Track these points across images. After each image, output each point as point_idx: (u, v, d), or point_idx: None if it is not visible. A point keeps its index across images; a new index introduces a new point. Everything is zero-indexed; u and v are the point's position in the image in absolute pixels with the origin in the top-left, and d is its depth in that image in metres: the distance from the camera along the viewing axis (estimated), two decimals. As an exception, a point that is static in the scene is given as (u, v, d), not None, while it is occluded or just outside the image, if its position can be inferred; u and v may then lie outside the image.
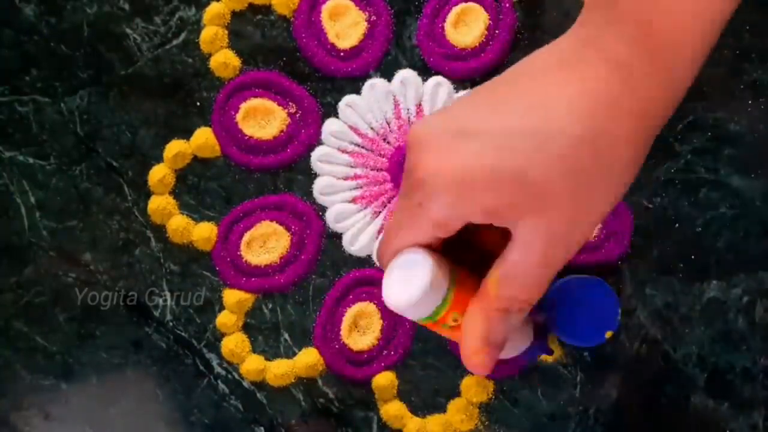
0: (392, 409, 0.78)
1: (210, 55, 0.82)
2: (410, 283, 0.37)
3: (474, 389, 0.77)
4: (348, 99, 0.81)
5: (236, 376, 0.80)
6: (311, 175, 0.81)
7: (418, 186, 0.35)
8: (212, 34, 0.82)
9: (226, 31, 0.82)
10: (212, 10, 0.82)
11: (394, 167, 0.79)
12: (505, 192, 0.33)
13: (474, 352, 0.35)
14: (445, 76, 0.80)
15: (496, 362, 0.37)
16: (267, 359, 0.80)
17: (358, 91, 0.81)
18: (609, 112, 0.34)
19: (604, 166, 0.33)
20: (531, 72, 0.37)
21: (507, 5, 0.80)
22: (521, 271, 0.34)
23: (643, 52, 0.35)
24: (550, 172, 0.32)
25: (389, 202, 0.81)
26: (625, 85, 0.34)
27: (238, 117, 0.81)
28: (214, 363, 0.80)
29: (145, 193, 0.82)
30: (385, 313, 0.79)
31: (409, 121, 0.81)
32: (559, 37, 0.41)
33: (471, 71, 0.80)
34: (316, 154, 0.81)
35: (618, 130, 0.34)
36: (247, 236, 0.80)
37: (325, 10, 0.81)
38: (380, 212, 0.80)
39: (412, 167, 0.37)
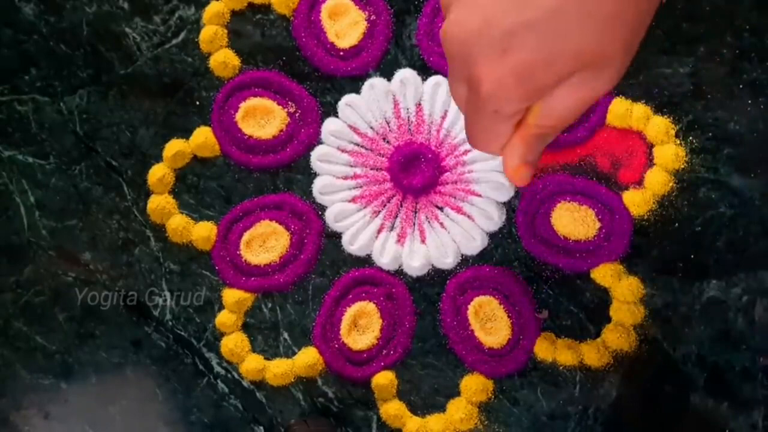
0: (392, 409, 0.78)
1: (209, 54, 0.82)
2: None
3: (474, 389, 0.77)
4: (348, 98, 0.81)
5: (236, 375, 0.80)
6: (311, 175, 0.81)
7: (487, 98, 0.38)
8: (212, 33, 0.82)
9: (226, 31, 0.82)
10: (212, 9, 0.82)
11: (394, 166, 0.79)
12: (564, 69, 0.36)
13: (514, 170, 0.43)
14: (444, 75, 0.80)
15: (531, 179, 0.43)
16: (266, 359, 0.80)
17: (357, 91, 0.81)
18: None
19: (644, 23, 0.36)
20: None
21: (507, 4, 0.79)
22: (560, 106, 0.38)
23: None
24: (600, 37, 0.35)
25: (389, 202, 0.81)
26: None
27: (238, 116, 0.81)
28: (214, 362, 0.80)
29: (144, 192, 0.82)
30: (385, 312, 0.79)
31: (408, 120, 0.81)
32: None
33: (471, 71, 0.80)
34: (316, 153, 0.81)
35: None
36: (246, 236, 0.80)
37: (325, 9, 0.81)
38: (380, 211, 0.80)
39: (474, 81, 0.39)
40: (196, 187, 0.82)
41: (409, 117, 0.81)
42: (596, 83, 0.38)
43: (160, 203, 0.81)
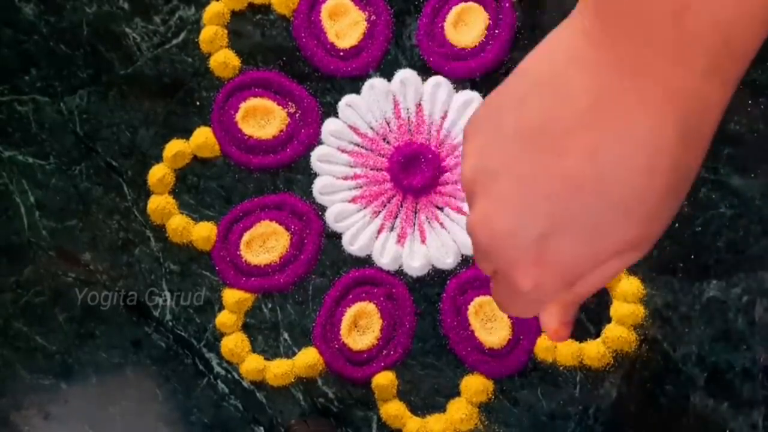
0: (392, 409, 0.78)
1: (210, 54, 0.82)
2: None
3: (474, 389, 0.77)
4: (348, 99, 0.81)
5: (236, 375, 0.80)
6: (311, 175, 0.81)
7: (526, 294, 0.37)
8: (212, 33, 0.82)
9: (226, 31, 0.82)
10: (212, 9, 0.82)
11: (394, 167, 0.79)
12: (605, 259, 0.35)
13: (555, 332, 0.42)
14: (444, 75, 0.80)
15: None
16: (267, 359, 0.80)
17: (357, 91, 0.81)
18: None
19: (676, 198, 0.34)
20: (556, 125, 0.33)
21: (507, 5, 0.79)
22: (598, 279, 0.37)
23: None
24: (642, 229, 0.33)
25: (389, 202, 0.81)
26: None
27: (238, 117, 0.81)
28: (214, 363, 0.80)
29: (144, 192, 0.82)
30: (385, 312, 0.79)
31: (408, 120, 0.81)
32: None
33: (471, 71, 0.80)
34: (316, 153, 0.81)
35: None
36: (246, 236, 0.80)
37: (325, 9, 0.81)
38: (380, 212, 0.80)
39: (509, 279, 0.37)
40: (196, 187, 0.82)
41: (409, 117, 0.81)
42: (633, 259, 0.36)
43: (160, 203, 0.81)
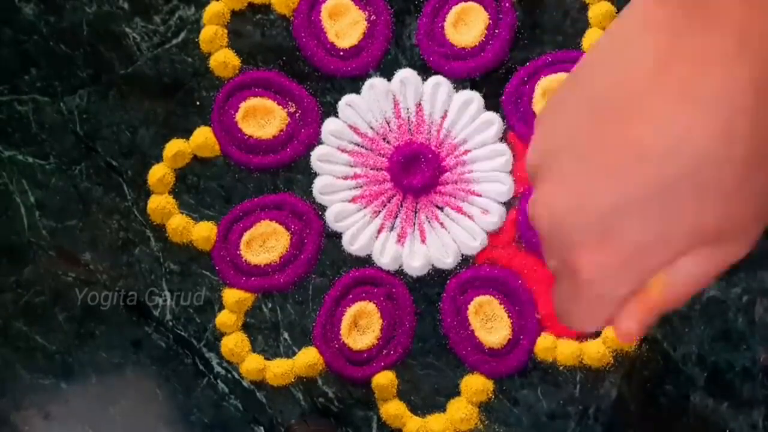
0: (392, 409, 0.78)
1: (209, 54, 0.82)
2: None
3: (474, 389, 0.77)
4: (348, 98, 0.81)
5: (236, 375, 0.80)
6: (311, 175, 0.81)
7: (589, 285, 0.33)
8: (212, 33, 0.82)
9: (226, 31, 0.82)
10: (212, 9, 0.82)
11: (394, 166, 0.79)
12: (680, 246, 0.32)
13: (630, 336, 0.37)
14: (444, 75, 0.80)
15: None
16: (267, 359, 0.80)
17: (357, 91, 0.81)
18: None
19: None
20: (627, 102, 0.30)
21: (507, 5, 0.79)
22: (687, 279, 0.35)
23: None
24: (723, 213, 0.31)
25: (389, 202, 0.81)
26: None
27: (238, 116, 0.81)
28: (214, 362, 0.80)
29: (144, 192, 0.82)
30: (385, 312, 0.79)
31: (408, 120, 0.81)
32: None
33: (471, 70, 0.80)
34: (316, 153, 0.81)
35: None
36: (246, 236, 0.80)
37: (325, 9, 0.81)
38: (380, 212, 0.80)
39: (571, 267, 0.33)
40: (196, 187, 0.82)
41: (409, 117, 0.81)
42: (726, 255, 0.33)
43: (160, 203, 0.81)
